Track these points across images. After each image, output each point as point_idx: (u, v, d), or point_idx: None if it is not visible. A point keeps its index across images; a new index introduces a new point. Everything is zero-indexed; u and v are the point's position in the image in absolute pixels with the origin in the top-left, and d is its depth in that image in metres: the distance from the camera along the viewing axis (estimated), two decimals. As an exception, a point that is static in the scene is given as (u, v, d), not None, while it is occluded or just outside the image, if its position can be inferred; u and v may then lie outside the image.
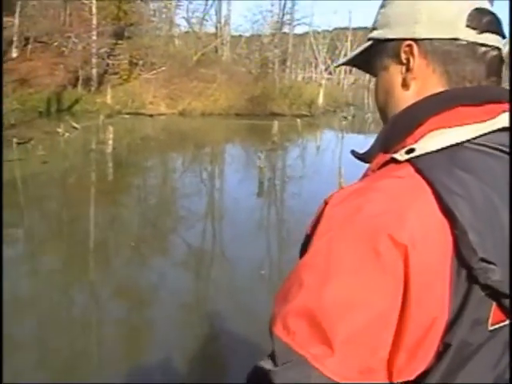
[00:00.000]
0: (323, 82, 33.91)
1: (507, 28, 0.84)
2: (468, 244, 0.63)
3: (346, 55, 1.03)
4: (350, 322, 0.63)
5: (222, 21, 33.75)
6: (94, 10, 24.91)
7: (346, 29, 53.51)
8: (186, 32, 34.09)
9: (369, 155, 0.80)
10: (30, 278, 5.81)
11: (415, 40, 0.79)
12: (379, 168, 0.76)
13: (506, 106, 0.76)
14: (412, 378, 0.66)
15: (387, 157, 0.74)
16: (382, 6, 0.86)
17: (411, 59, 0.79)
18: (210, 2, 39.46)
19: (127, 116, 22.02)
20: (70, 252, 6.71)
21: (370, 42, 0.87)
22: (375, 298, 0.64)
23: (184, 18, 34.15)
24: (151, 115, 22.83)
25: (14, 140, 13.75)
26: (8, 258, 5.66)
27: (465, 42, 0.77)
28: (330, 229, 0.68)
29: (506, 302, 0.66)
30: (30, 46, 24.98)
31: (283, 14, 32.95)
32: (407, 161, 0.71)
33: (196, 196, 10.35)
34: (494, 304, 0.67)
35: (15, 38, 24.82)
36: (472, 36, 0.77)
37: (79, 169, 12.36)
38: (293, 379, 0.63)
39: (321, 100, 28.63)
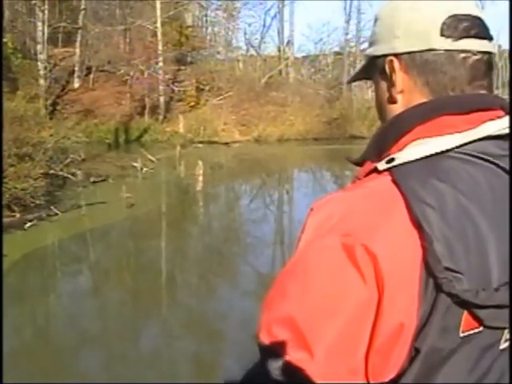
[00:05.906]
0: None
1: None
2: (433, 253, 0.64)
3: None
4: (331, 329, 0.65)
5: (285, 42, 32.20)
6: (160, 36, 23.54)
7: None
8: (250, 55, 32.55)
9: (361, 161, 0.80)
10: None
11: (396, 55, 0.79)
12: (366, 176, 0.76)
13: (497, 113, 0.74)
14: (386, 380, 0.67)
15: (372, 165, 0.75)
16: (374, 23, 0.86)
17: (393, 74, 0.79)
18: (267, 23, 38.15)
19: (200, 145, 20.26)
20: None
21: (365, 60, 0.88)
22: (351, 303, 0.65)
23: (245, 40, 32.88)
24: (227, 143, 20.99)
25: (91, 179, 12.01)
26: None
27: (442, 52, 0.75)
28: (309, 236, 0.70)
29: (478, 311, 0.66)
30: (92, 76, 23.78)
31: (347, 33, 31.76)
32: (387, 170, 0.72)
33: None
34: (466, 312, 0.66)
35: (77, 68, 23.71)
36: (448, 44, 0.75)
37: (172, 213, 10.46)
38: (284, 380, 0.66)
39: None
